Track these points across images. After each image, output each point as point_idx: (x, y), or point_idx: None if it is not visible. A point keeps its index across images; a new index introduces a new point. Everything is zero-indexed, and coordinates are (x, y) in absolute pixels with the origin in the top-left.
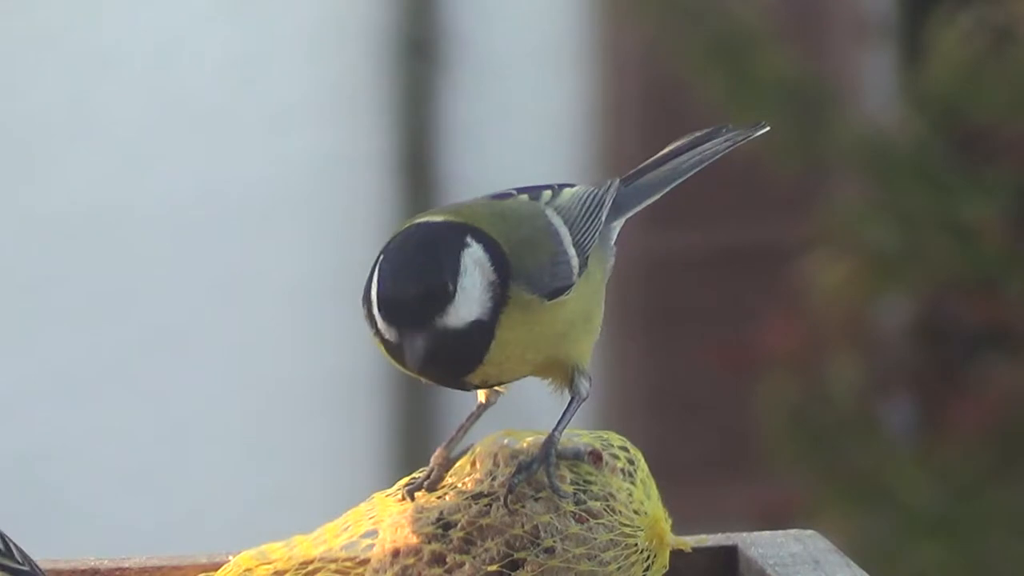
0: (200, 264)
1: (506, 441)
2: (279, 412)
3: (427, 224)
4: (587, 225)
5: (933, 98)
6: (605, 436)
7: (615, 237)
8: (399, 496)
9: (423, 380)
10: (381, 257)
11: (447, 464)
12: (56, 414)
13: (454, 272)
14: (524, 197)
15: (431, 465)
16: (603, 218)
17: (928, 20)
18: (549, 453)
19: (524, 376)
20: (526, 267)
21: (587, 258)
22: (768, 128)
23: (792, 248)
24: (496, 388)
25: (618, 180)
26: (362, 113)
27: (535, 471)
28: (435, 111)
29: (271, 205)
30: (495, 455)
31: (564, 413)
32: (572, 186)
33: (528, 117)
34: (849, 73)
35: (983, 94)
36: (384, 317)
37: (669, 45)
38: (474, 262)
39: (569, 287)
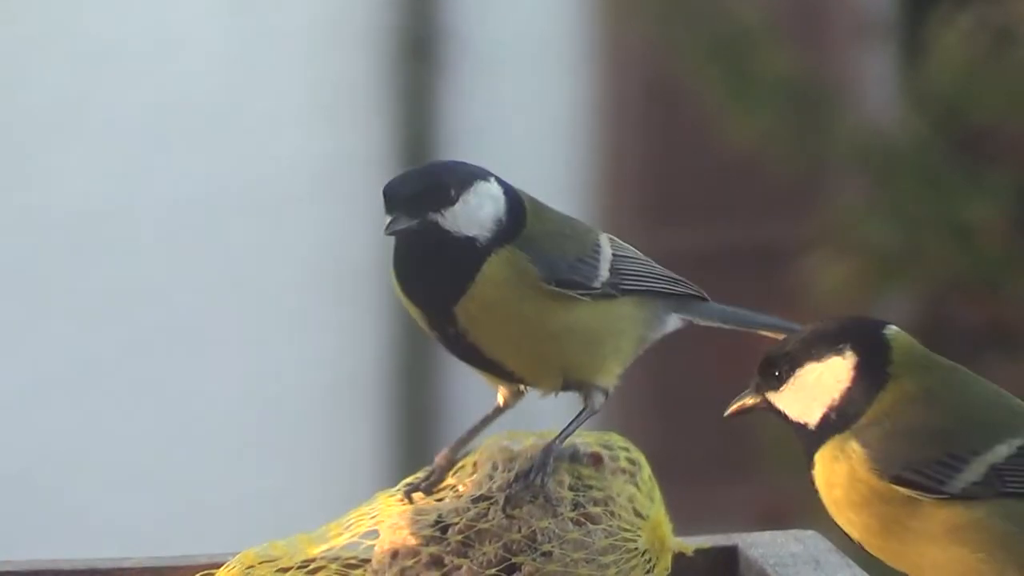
0: (200, 264)
1: (506, 444)
2: (280, 412)
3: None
4: (642, 272)
5: (933, 98)
6: (607, 438)
7: (672, 325)
8: (400, 496)
9: (415, 314)
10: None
11: (449, 466)
12: (56, 414)
13: (461, 184)
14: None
15: (434, 465)
16: (657, 286)
17: (928, 20)
18: (547, 461)
19: (517, 368)
20: (543, 246)
21: (620, 288)
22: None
23: (792, 248)
24: (515, 391)
25: (699, 292)
26: (362, 113)
27: (532, 479)
28: (435, 111)
29: (271, 204)
30: (494, 458)
31: (571, 422)
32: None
33: (528, 117)
34: (849, 73)
35: (983, 94)
36: (386, 205)
37: (669, 45)
38: (489, 194)
39: (583, 286)
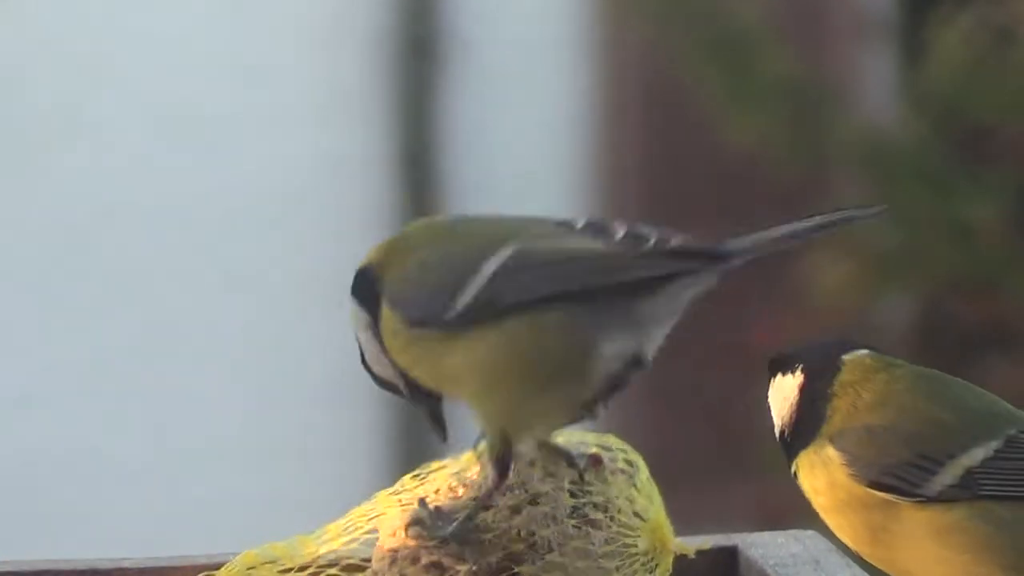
0: (200, 264)
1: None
2: (280, 412)
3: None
4: (553, 276)
5: (933, 98)
6: (605, 439)
7: (672, 313)
8: (403, 493)
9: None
10: None
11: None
12: (56, 414)
13: (373, 370)
14: (578, 223)
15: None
16: (596, 282)
17: (928, 20)
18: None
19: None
20: (405, 289)
21: (503, 308)
22: (884, 210)
23: (792, 248)
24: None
25: (716, 270)
26: (362, 113)
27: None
28: (435, 111)
29: (271, 205)
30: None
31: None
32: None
33: (528, 117)
34: (849, 73)
35: (983, 94)
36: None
37: (669, 45)
38: (353, 315)
39: (437, 321)
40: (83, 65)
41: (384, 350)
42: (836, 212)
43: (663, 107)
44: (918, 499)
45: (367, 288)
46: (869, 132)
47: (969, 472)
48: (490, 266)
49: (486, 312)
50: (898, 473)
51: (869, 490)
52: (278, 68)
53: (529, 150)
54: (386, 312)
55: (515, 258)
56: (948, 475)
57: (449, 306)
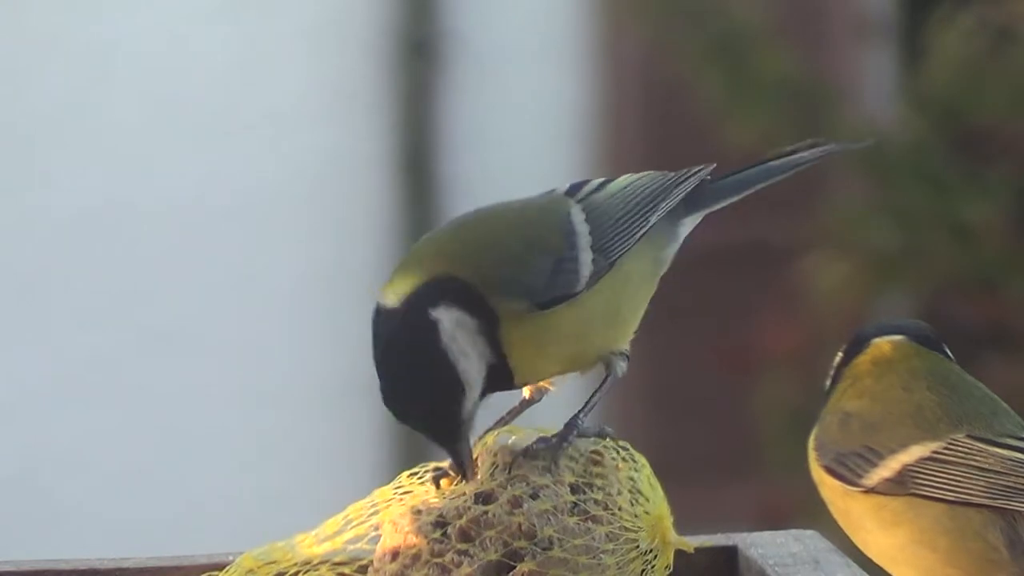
0: (200, 264)
1: (507, 442)
2: (279, 412)
3: (392, 323)
4: (628, 223)
5: (933, 98)
6: (604, 440)
7: (688, 228)
8: (402, 489)
9: None
10: (375, 365)
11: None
12: (56, 414)
13: (448, 376)
14: (557, 192)
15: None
16: (657, 213)
17: (928, 20)
18: (568, 436)
19: (563, 372)
20: (514, 282)
21: (614, 260)
22: (872, 143)
23: (792, 248)
24: (540, 385)
25: (704, 171)
26: (362, 113)
27: (549, 446)
28: (435, 111)
29: (271, 205)
30: (495, 454)
31: (596, 391)
32: (630, 176)
33: (528, 117)
34: (849, 73)
35: (983, 94)
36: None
37: (669, 45)
38: (452, 333)
39: (570, 295)
40: (83, 65)
41: (487, 352)
42: (820, 146)
43: (663, 107)
44: (860, 488)
45: (462, 295)
46: (869, 132)
47: (905, 468)
48: (583, 233)
49: (604, 267)
50: (847, 461)
51: (825, 475)
52: (278, 68)
53: (529, 150)
54: (507, 307)
55: (589, 217)
56: (886, 468)
57: (574, 280)
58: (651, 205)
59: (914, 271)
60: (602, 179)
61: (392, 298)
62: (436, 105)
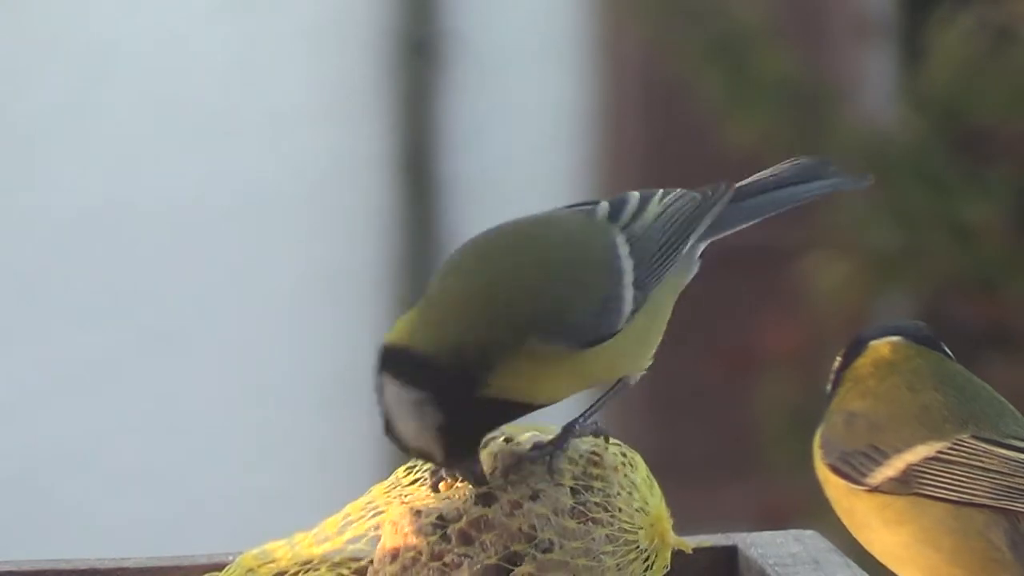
0: (200, 264)
1: (507, 441)
2: (279, 411)
3: (384, 381)
4: (665, 254)
5: (933, 98)
6: (600, 440)
7: (702, 251)
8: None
9: None
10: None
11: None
12: (56, 414)
13: (430, 434)
14: (601, 212)
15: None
16: (690, 240)
17: (928, 20)
18: (563, 443)
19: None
20: (561, 323)
21: (649, 293)
22: (872, 180)
23: (792, 248)
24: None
25: (728, 191)
26: (362, 113)
27: (545, 452)
28: (435, 111)
29: (271, 205)
30: (496, 455)
31: (602, 397)
32: (669, 192)
33: (528, 117)
34: (849, 73)
35: (983, 94)
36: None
37: (669, 45)
38: (401, 413)
39: (611, 335)
40: (84, 65)
41: (439, 417)
42: (827, 181)
43: (663, 107)
44: (866, 487)
45: (407, 368)
46: (869, 132)
47: (910, 467)
48: (627, 266)
49: (641, 301)
50: (852, 460)
51: (830, 473)
52: (279, 68)
53: (529, 150)
54: (530, 357)
55: (633, 250)
56: (891, 468)
57: (617, 320)
58: (684, 236)
59: (914, 271)
60: (639, 196)
61: (386, 366)
62: (436, 105)
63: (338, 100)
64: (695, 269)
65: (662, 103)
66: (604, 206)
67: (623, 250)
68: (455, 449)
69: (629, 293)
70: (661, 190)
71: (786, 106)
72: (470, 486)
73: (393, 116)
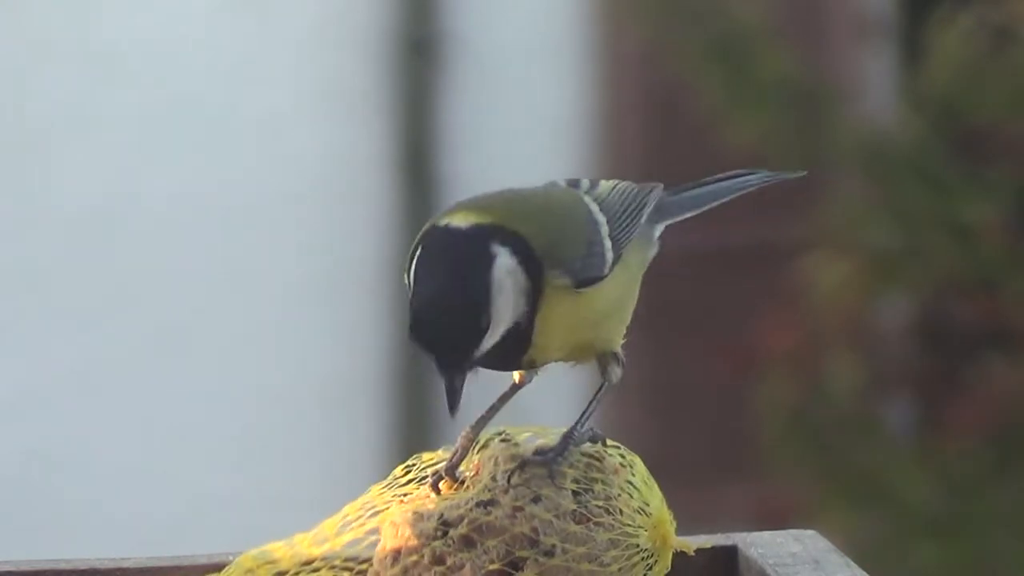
0: (200, 264)
1: (507, 442)
2: (279, 412)
3: (452, 236)
4: (626, 220)
5: (933, 98)
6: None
7: (659, 234)
8: (396, 484)
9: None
10: (412, 270)
11: (470, 445)
12: (56, 414)
13: (485, 299)
14: (562, 184)
15: (457, 446)
16: (644, 217)
17: (928, 20)
18: (566, 447)
19: (559, 360)
20: (562, 256)
21: (622, 252)
22: (805, 173)
23: (792, 248)
24: (532, 369)
25: (661, 186)
26: (362, 113)
27: (547, 458)
28: (435, 111)
29: (271, 205)
30: (496, 456)
31: (591, 401)
32: (609, 181)
33: (528, 117)
34: (849, 73)
35: (983, 94)
36: (423, 351)
37: (669, 45)
38: (506, 272)
39: (600, 278)
40: (84, 65)
41: (522, 312)
42: (758, 174)
43: (663, 107)
44: None
45: (524, 253)
46: (869, 132)
47: None
48: (603, 222)
49: (617, 256)
50: None
51: None
52: (279, 68)
53: (529, 150)
54: (554, 280)
55: (602, 208)
56: None
57: (602, 264)
58: (639, 206)
59: (914, 271)
60: (588, 180)
61: (455, 222)
62: (436, 105)
63: (338, 100)
64: (656, 247)
65: (662, 103)
66: (561, 181)
67: (594, 207)
68: (474, 350)
69: (608, 243)
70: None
71: (786, 106)
72: (471, 486)
73: (393, 116)
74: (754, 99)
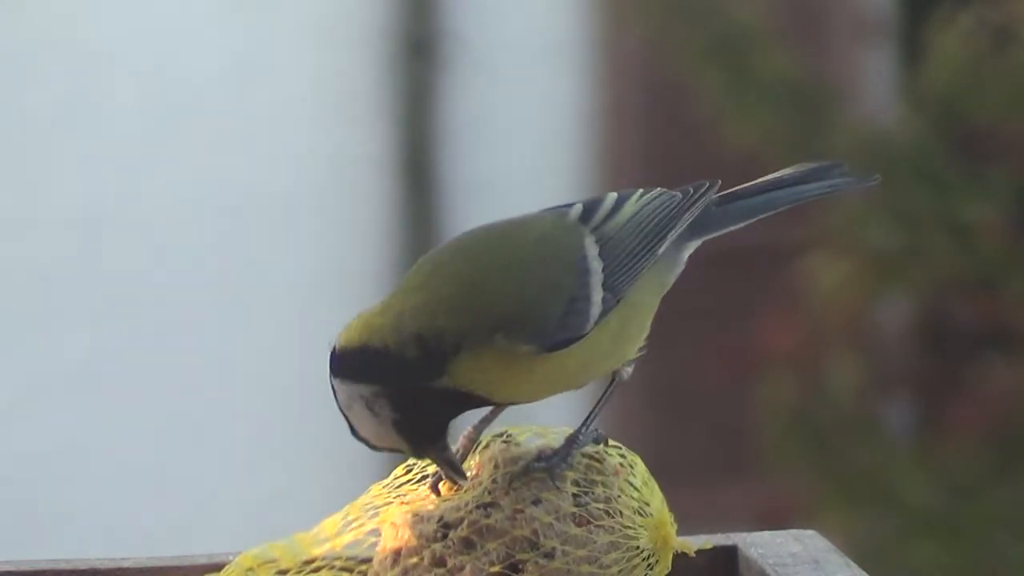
0: (201, 264)
1: (507, 443)
2: (280, 412)
3: (329, 369)
4: (637, 258)
5: (933, 98)
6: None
7: (690, 252)
8: (397, 485)
9: None
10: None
11: (472, 445)
12: (57, 414)
13: (358, 435)
14: (574, 213)
15: (458, 445)
16: (668, 239)
17: (928, 20)
18: (570, 450)
19: (560, 392)
20: (524, 322)
21: (623, 295)
22: (879, 180)
23: (792, 248)
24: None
25: (711, 187)
26: (363, 113)
27: (551, 462)
28: (435, 111)
29: (272, 205)
30: (496, 458)
31: (600, 399)
32: (648, 191)
33: (528, 117)
34: (849, 73)
35: (983, 94)
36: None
37: (669, 45)
38: (363, 406)
39: (577, 338)
40: (83, 65)
41: (393, 412)
42: (831, 177)
43: (663, 107)
44: None
45: (394, 367)
46: (869, 132)
47: None
48: (595, 268)
49: (612, 304)
50: None
51: None
52: (279, 68)
53: (529, 150)
54: (507, 347)
55: (603, 251)
56: None
57: (583, 323)
58: (660, 236)
59: (914, 271)
60: (615, 197)
61: (339, 344)
62: (436, 105)
63: (339, 100)
64: (680, 268)
65: (662, 103)
66: (578, 208)
67: (592, 251)
68: (420, 439)
69: (598, 295)
70: (641, 189)
71: (786, 106)
72: (471, 488)
73: (393, 116)
74: (754, 99)
